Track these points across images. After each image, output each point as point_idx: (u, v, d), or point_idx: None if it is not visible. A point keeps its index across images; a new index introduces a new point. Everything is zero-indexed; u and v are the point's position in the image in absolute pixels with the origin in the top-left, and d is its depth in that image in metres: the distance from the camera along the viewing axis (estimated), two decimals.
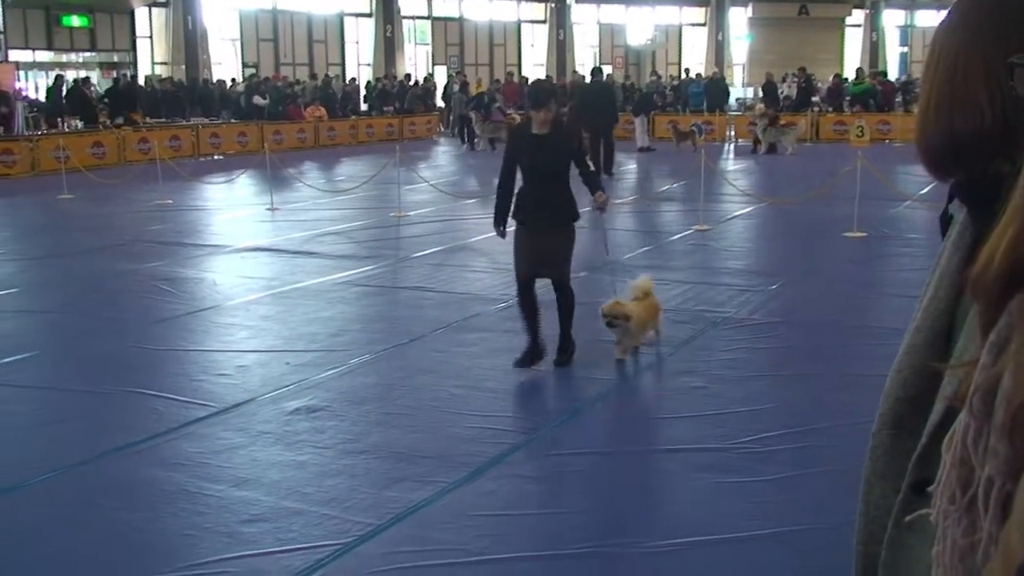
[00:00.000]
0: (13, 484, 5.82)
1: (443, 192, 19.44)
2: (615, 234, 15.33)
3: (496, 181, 8.04)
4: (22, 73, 32.55)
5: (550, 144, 7.62)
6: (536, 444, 6.37)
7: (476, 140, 32.73)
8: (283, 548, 4.92)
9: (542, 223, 7.60)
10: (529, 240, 7.68)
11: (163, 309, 10.46)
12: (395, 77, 39.92)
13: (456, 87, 36.70)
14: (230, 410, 7.04)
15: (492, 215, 7.94)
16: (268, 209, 17.98)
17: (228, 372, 7.99)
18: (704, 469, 5.89)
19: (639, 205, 18.66)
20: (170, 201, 19.42)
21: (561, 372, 7.90)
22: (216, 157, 29.53)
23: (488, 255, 13.06)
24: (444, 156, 31.36)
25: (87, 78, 31.10)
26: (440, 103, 39.89)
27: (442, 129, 38.94)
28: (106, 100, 29.87)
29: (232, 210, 18.88)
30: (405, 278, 11.78)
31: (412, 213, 17.12)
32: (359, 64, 42.41)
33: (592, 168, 7.96)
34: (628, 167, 26.28)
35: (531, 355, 7.84)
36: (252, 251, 13.97)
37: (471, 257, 13.06)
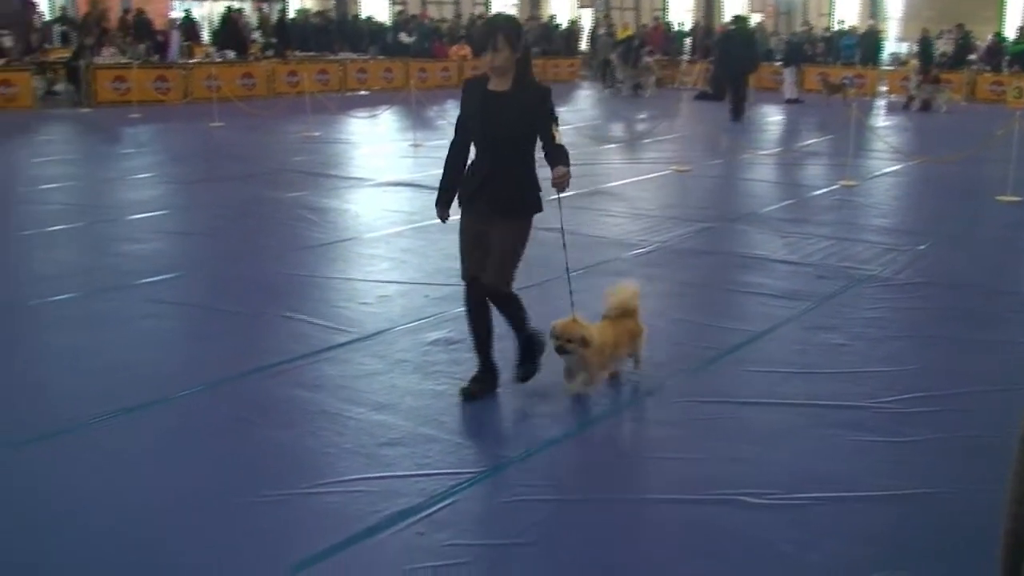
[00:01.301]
0: (162, 396, 6.08)
1: (584, 136, 19.36)
2: (754, 186, 15.15)
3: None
4: (176, 3, 33.62)
5: (509, 104, 5.72)
6: (666, 393, 6.34)
7: (619, 85, 32.45)
8: (419, 472, 5.04)
9: (486, 209, 5.83)
10: (470, 230, 5.93)
11: (307, 237, 10.71)
12: (540, 19, 39.76)
13: (602, 31, 36.40)
14: (370, 337, 7.20)
15: (439, 192, 6.04)
16: (411, 145, 18.19)
17: (369, 301, 8.15)
18: (842, 426, 5.79)
19: (784, 157, 18.26)
20: (317, 134, 19.80)
21: (693, 320, 7.83)
22: (362, 92, 29.95)
23: (627, 201, 12.99)
24: (586, 100, 31.19)
25: (240, 10, 31.80)
26: (584, 46, 39.63)
27: (585, 73, 38.71)
28: (274, 40, 30.55)
29: (375, 145, 19.14)
30: (542, 219, 11.72)
31: None
32: (506, 5, 42.33)
33: (562, 142, 5.79)
34: (774, 118, 25.76)
35: (482, 381, 6.16)
36: (394, 185, 14.17)
37: (610, 202, 12.99)
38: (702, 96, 29.00)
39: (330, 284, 8.80)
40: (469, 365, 6.60)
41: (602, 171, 15.57)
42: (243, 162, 16.32)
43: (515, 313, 6.12)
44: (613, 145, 18.73)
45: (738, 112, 23.37)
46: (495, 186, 5.78)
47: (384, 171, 15.50)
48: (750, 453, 5.40)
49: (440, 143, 18.69)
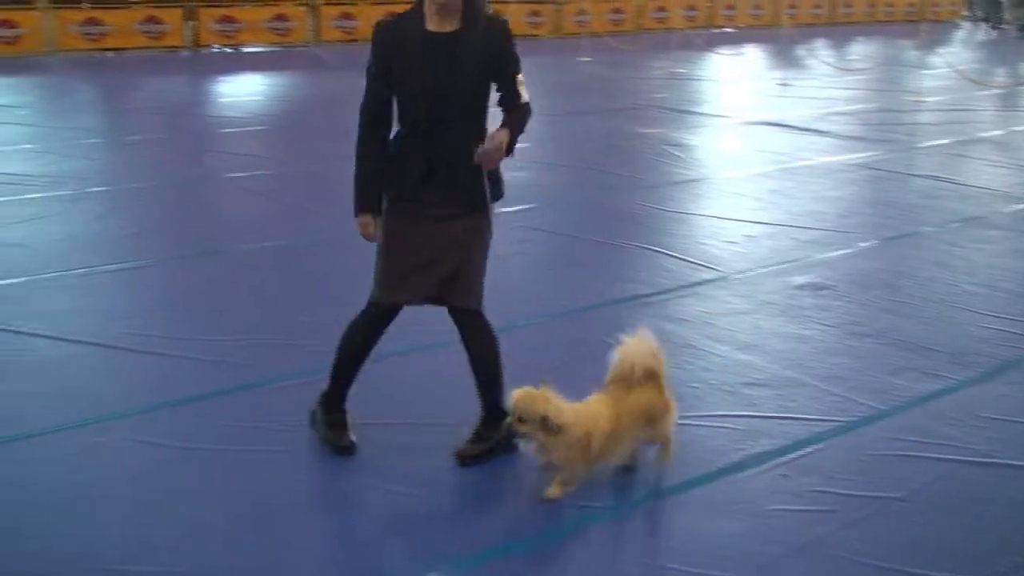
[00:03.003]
0: (532, 317, 6.33)
1: (965, 79, 18.12)
2: None
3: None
4: None
5: (460, 51, 4.15)
6: None
7: (1004, 25, 30.09)
8: (784, 415, 4.97)
9: (440, 201, 4.31)
10: (413, 236, 4.35)
11: (670, 172, 10.74)
12: None
13: None
14: (735, 276, 7.14)
15: (359, 190, 4.40)
16: (779, 84, 17.76)
17: (735, 240, 8.08)
18: None
19: None
20: (682, 70, 19.73)
21: None
22: (728, 29, 29.48)
23: (1012, 151, 12.08)
24: (968, 41, 29.13)
25: None
26: None
27: (968, 13, 36.16)
28: None
29: (741, 82, 18.81)
30: (918, 165, 11.20)
31: (930, 99, 16.15)
32: None
33: (527, 100, 4.31)
34: None
35: (330, 406, 4.64)
36: (760, 124, 13.89)
37: (991, 151, 12.13)
38: None
39: (694, 220, 8.79)
40: (838, 312, 6.44)
41: (983, 117, 14.55)
42: (608, 96, 16.55)
43: (494, 350, 4.58)
44: (996, 91, 17.41)
45: None
46: (451, 169, 4.26)
47: (749, 109, 15.23)
48: None
49: (809, 83, 18.18)
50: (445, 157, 4.25)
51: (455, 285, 4.41)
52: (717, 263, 7.43)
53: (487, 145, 4.11)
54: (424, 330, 5.12)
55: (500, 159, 4.24)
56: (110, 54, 22.25)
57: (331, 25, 24.53)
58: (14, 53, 21.15)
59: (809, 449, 4.65)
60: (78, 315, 6.36)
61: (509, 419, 4.10)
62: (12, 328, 6.05)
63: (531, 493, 4.24)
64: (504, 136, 4.16)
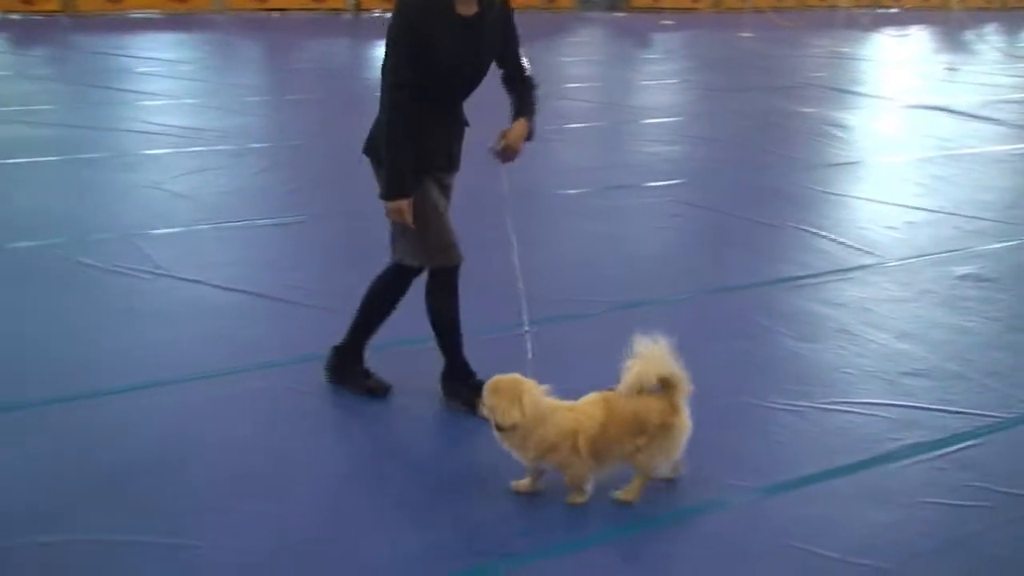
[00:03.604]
0: (685, 292, 6.28)
1: None
2: None
3: None
4: None
5: (482, 34, 4.27)
6: None
7: None
8: (942, 407, 4.81)
9: (449, 168, 4.53)
10: (441, 201, 4.51)
11: (829, 153, 10.50)
12: None
13: None
14: (894, 263, 6.93)
15: (397, 174, 4.27)
16: (946, 68, 17.13)
17: (895, 226, 7.84)
18: None
19: None
20: (845, 49, 19.22)
21: None
22: (894, 10, 28.55)
23: None
24: None
25: None
26: None
27: None
28: None
29: (906, 64, 18.22)
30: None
31: None
32: None
33: (530, 72, 4.45)
34: None
35: (354, 359, 4.88)
36: (924, 108, 13.44)
37: None
38: None
39: (853, 203, 8.56)
40: (1001, 305, 6.21)
41: None
42: (767, 73, 16.22)
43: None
44: None
45: None
46: (458, 139, 4.53)
47: (913, 92, 14.75)
48: None
49: (978, 68, 17.49)
50: (458, 131, 4.49)
51: None
52: (876, 248, 7.22)
53: (515, 139, 4.28)
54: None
55: (519, 150, 4.34)
56: (275, 14, 22.80)
57: None
58: (185, 11, 21.86)
59: (968, 443, 4.49)
60: (238, 265, 6.57)
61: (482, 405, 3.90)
62: (178, 275, 6.29)
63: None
64: (523, 129, 4.32)
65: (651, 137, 11.11)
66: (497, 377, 3.91)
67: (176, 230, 7.25)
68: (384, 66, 4.24)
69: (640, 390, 3.88)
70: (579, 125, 11.68)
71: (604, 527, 3.80)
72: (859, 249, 7.18)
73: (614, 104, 13.25)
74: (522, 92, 4.40)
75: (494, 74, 4.44)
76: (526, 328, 4.42)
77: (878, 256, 7.05)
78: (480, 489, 4.00)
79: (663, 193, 8.57)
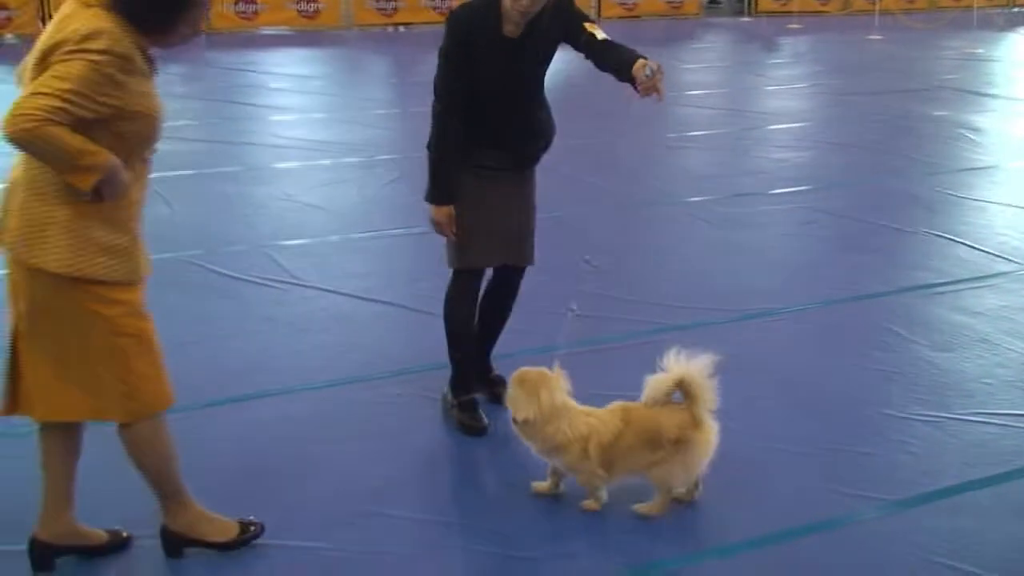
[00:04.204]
0: (819, 298, 6.20)
1: None
2: None
3: None
4: None
5: (529, 52, 4.26)
6: None
7: None
8: None
9: (507, 161, 4.42)
10: (492, 197, 4.40)
11: (965, 157, 10.21)
12: None
13: None
14: None
15: (439, 182, 4.35)
16: None
17: None
18: None
19: None
20: (979, 50, 18.66)
21: None
22: None
23: None
24: None
25: None
26: None
27: None
28: None
29: None
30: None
31: None
32: None
33: (606, 36, 4.23)
34: None
35: (458, 390, 4.68)
36: None
37: None
38: None
39: (992, 209, 8.30)
40: None
41: None
42: (898, 76, 15.85)
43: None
44: None
45: None
46: (520, 127, 4.38)
47: None
48: None
49: None
50: (510, 121, 4.32)
51: (526, 242, 4.54)
52: (1015, 255, 7.00)
53: (650, 74, 3.89)
54: None
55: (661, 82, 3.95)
56: (401, 28, 23.20)
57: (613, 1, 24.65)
58: (314, 27, 22.40)
59: None
60: (369, 276, 6.71)
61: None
62: (311, 284, 6.46)
63: (817, 479, 4.15)
64: (646, 60, 3.96)
65: (779, 143, 10.97)
66: (525, 369, 3.91)
67: (309, 241, 7.44)
68: (435, 78, 4.26)
69: (662, 401, 3.80)
70: (704, 132, 11.60)
71: (735, 538, 3.77)
72: (998, 256, 6.97)
73: (740, 110, 13.11)
74: (617, 48, 4.15)
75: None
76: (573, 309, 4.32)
77: (1017, 263, 6.83)
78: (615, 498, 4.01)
79: (792, 199, 8.45)
